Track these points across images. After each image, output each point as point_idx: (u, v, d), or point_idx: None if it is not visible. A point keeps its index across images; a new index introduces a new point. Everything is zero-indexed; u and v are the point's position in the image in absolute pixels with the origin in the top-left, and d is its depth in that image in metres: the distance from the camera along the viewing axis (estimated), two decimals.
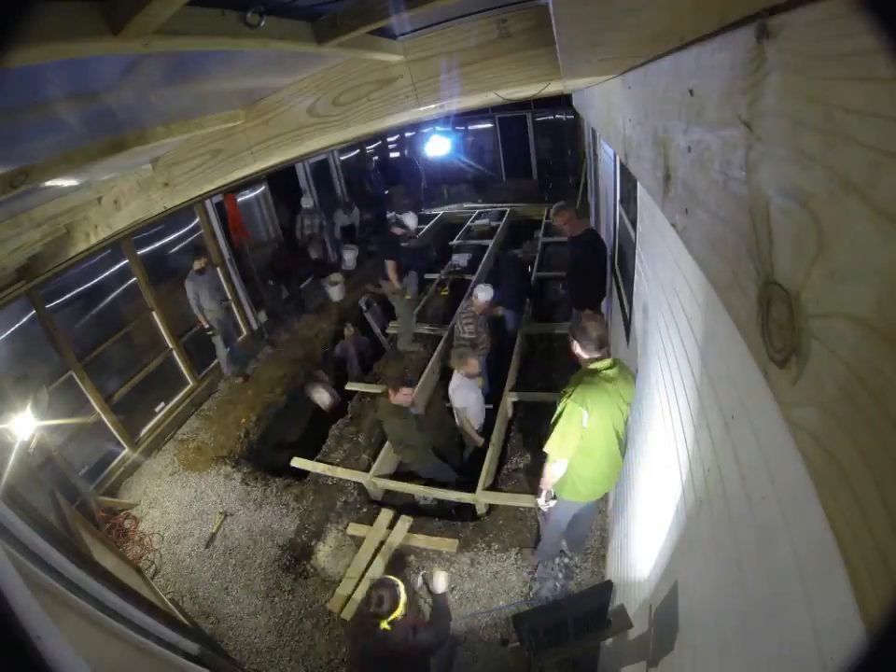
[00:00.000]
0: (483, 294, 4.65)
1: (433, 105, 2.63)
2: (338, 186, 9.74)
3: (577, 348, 2.39)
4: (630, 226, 3.07)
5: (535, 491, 3.82)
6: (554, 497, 2.70)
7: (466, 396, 4.04)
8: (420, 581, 2.54)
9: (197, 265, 5.37)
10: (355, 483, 4.34)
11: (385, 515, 3.96)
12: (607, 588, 1.97)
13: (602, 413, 2.26)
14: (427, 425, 4.10)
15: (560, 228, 4.45)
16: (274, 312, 7.17)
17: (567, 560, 3.12)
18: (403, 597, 2.13)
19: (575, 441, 2.31)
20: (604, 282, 4.44)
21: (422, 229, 9.52)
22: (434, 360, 5.60)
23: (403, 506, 4.17)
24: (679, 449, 1.54)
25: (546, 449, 2.39)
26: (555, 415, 2.33)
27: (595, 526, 3.45)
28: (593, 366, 2.33)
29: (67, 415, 4.30)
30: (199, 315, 5.47)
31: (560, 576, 3.04)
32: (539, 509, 2.86)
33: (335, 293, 7.53)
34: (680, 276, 1.55)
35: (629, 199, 3.11)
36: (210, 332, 5.62)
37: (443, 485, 4.00)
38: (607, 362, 2.33)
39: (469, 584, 3.35)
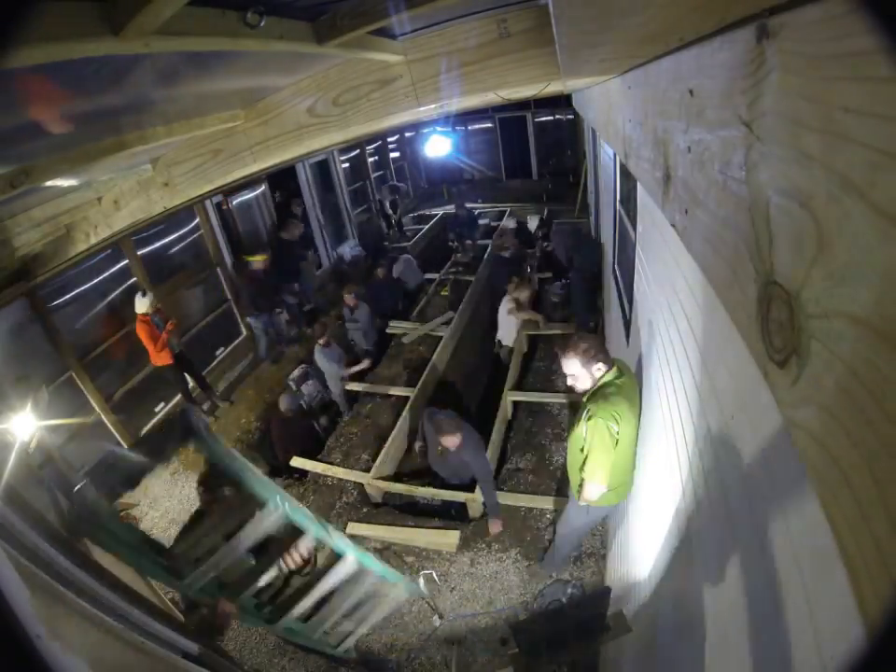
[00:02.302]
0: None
1: (433, 106, 2.63)
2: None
3: (586, 377, 2.20)
4: (630, 226, 3.07)
5: (536, 492, 3.81)
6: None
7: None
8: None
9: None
10: (355, 482, 4.33)
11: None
12: (605, 594, 1.98)
13: (628, 420, 2.15)
14: None
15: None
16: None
17: (572, 590, 3.13)
18: None
19: (611, 460, 2.17)
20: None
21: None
22: (434, 360, 5.61)
23: (403, 506, 4.17)
24: (679, 449, 1.55)
25: (586, 477, 2.21)
26: (587, 441, 2.18)
27: (596, 528, 3.45)
28: (604, 381, 2.20)
29: (67, 415, 4.29)
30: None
31: (564, 600, 3.06)
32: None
33: None
34: (680, 276, 1.55)
35: (629, 199, 3.11)
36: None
37: (443, 485, 4.00)
38: (613, 371, 2.20)
39: (468, 584, 3.34)
